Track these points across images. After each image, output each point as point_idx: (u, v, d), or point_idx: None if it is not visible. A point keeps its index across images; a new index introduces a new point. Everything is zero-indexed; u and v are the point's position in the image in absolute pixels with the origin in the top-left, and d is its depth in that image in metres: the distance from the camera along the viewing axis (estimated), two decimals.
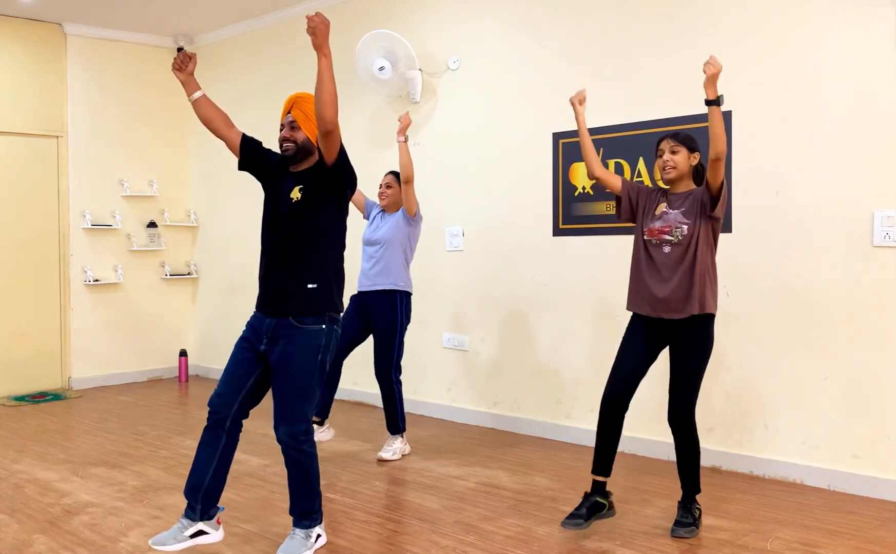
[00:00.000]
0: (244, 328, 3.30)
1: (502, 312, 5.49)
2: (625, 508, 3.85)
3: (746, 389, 4.41)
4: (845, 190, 4.06)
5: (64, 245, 7.19)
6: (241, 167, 3.45)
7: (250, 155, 3.41)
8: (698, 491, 3.58)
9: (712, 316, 3.50)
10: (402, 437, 4.80)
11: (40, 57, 7.02)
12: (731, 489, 4.14)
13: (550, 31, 5.21)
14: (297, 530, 3.27)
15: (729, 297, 4.40)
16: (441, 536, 3.52)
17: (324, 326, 3.20)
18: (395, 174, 4.82)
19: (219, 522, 3.28)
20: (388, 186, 4.82)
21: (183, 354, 7.74)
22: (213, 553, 3.35)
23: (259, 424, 5.69)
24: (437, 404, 5.90)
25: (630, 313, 3.65)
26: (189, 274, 7.90)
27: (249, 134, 3.50)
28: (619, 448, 4.86)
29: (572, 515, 3.50)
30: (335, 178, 3.24)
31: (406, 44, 5.68)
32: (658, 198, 3.58)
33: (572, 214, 5.10)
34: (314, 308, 3.19)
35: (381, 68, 5.73)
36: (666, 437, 4.69)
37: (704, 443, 4.53)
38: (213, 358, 7.81)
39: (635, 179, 4.79)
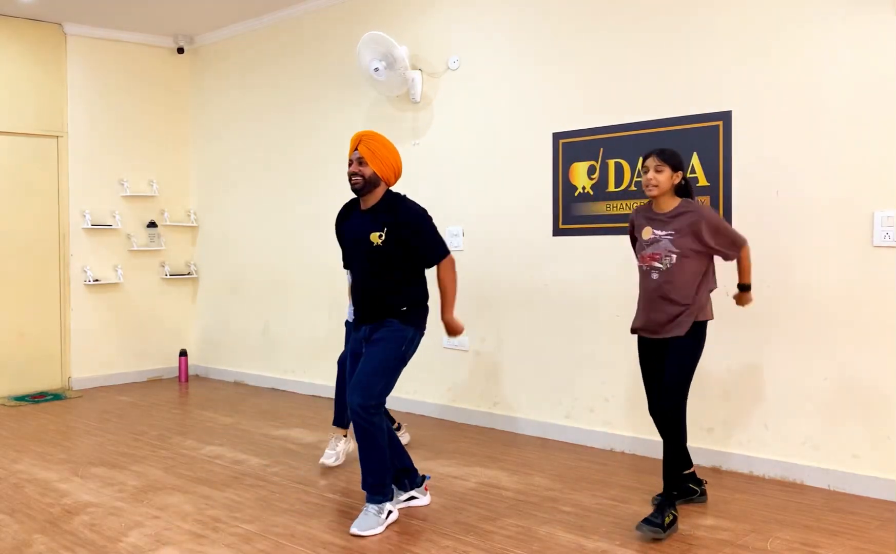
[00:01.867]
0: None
1: (502, 312, 5.49)
2: (625, 508, 3.85)
3: (746, 389, 4.41)
4: (845, 190, 4.06)
5: (64, 245, 7.19)
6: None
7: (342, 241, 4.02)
8: (672, 491, 3.56)
9: (706, 322, 3.64)
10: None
11: (40, 57, 7.02)
12: (731, 489, 4.14)
13: (550, 32, 5.21)
14: (370, 506, 3.57)
15: (729, 296, 4.40)
16: (441, 536, 3.52)
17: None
18: None
19: (426, 489, 3.92)
20: None
21: (183, 354, 7.74)
22: (212, 553, 3.35)
23: (259, 425, 5.70)
24: (437, 404, 5.90)
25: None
26: (189, 274, 7.90)
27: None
28: (620, 448, 4.91)
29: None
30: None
31: (395, 44, 5.66)
32: (642, 221, 3.72)
33: (572, 214, 5.10)
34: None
35: (376, 69, 5.75)
36: None
37: (704, 443, 4.54)
38: (213, 358, 7.81)
39: (635, 179, 4.80)
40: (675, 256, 3.55)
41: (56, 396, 6.84)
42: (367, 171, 3.65)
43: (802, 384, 4.22)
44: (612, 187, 4.89)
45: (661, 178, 3.57)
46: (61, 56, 7.11)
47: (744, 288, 3.78)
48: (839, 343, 4.10)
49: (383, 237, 3.64)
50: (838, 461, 4.11)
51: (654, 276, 3.61)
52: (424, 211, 3.76)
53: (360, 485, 4.25)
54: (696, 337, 3.60)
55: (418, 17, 5.97)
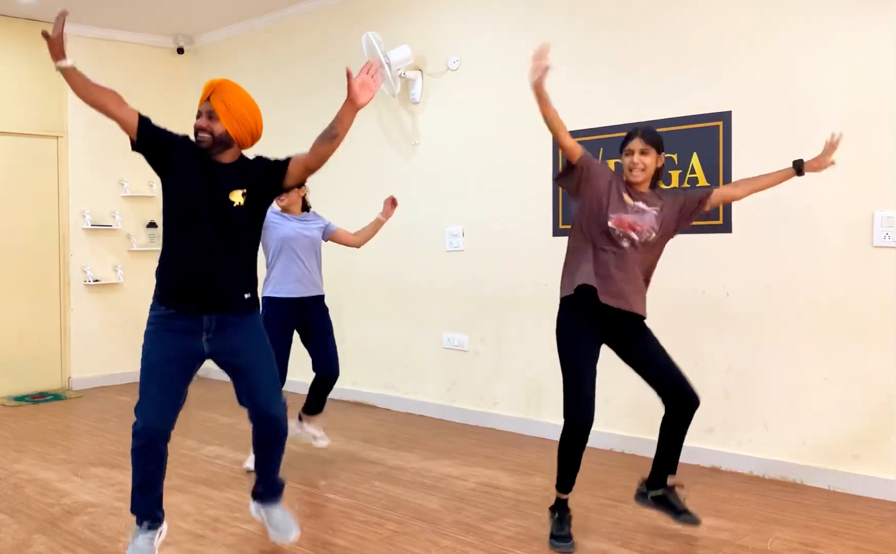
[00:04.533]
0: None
1: (502, 313, 5.49)
2: (625, 508, 3.86)
3: (746, 389, 4.41)
4: (845, 190, 4.06)
5: (64, 245, 7.19)
6: (137, 148, 3.28)
7: (150, 137, 3.26)
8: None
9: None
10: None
11: (40, 57, 6.95)
12: (731, 489, 4.14)
13: (550, 32, 5.21)
14: (278, 505, 3.40)
15: (728, 297, 4.41)
16: (441, 536, 3.52)
17: None
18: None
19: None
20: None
21: None
22: (212, 553, 3.35)
23: None
24: (437, 404, 5.89)
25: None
26: None
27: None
28: (620, 448, 4.90)
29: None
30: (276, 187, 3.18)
31: (381, 53, 5.63)
32: (618, 184, 3.38)
33: (572, 214, 5.08)
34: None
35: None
36: None
37: (704, 443, 4.54)
38: None
39: None
40: (654, 235, 3.35)
41: (56, 396, 6.84)
42: (219, 127, 3.04)
43: (802, 384, 4.22)
44: None
45: (648, 160, 3.32)
46: None
47: (797, 164, 3.49)
48: (839, 343, 4.10)
49: (246, 197, 3.06)
50: (838, 461, 4.11)
51: (625, 244, 3.32)
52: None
53: (361, 485, 4.25)
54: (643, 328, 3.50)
55: (418, 17, 5.97)
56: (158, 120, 3.26)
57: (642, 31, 4.78)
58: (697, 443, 4.46)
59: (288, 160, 3.11)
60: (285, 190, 3.26)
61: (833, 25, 4.10)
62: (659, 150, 3.37)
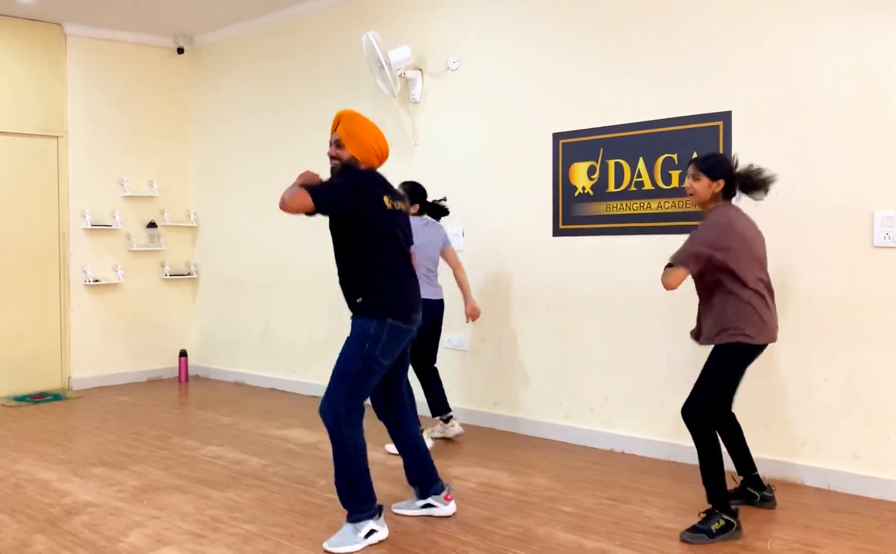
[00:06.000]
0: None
1: (502, 312, 5.49)
2: (625, 508, 3.85)
3: (747, 389, 4.40)
4: (845, 190, 4.06)
5: (64, 245, 7.19)
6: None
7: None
8: (713, 500, 3.46)
9: (736, 343, 3.48)
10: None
11: (40, 57, 7.02)
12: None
13: (551, 32, 5.21)
14: (346, 524, 3.42)
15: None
16: (441, 536, 3.52)
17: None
18: (407, 187, 4.80)
19: (448, 499, 3.73)
20: None
21: (183, 354, 7.74)
22: (212, 553, 3.35)
23: (258, 425, 5.70)
24: None
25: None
26: (189, 274, 7.90)
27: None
28: (620, 448, 4.90)
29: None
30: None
31: (381, 54, 5.64)
32: None
33: (572, 215, 5.10)
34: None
35: (371, 70, 5.80)
36: (666, 437, 4.70)
37: None
38: (213, 358, 7.81)
39: (635, 180, 4.79)
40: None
41: (56, 396, 6.84)
42: (345, 154, 3.42)
43: (802, 384, 4.22)
44: (612, 188, 4.89)
45: (698, 186, 3.53)
46: (61, 56, 7.10)
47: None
48: (839, 343, 4.10)
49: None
50: (838, 461, 4.11)
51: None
52: (356, 180, 3.40)
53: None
54: (722, 355, 3.51)
55: (418, 17, 5.97)
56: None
57: (642, 30, 4.78)
58: None
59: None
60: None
61: (833, 25, 4.10)
62: (714, 177, 3.51)
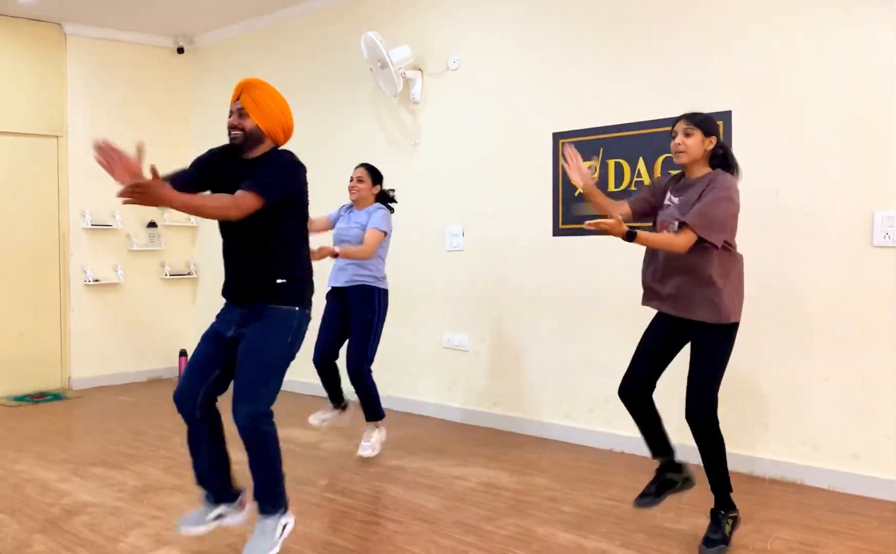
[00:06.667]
0: None
1: (502, 312, 5.49)
2: (625, 508, 3.85)
3: (746, 389, 4.41)
4: (845, 190, 4.06)
5: (64, 245, 7.19)
6: (199, 189, 3.25)
7: (204, 173, 3.26)
8: (721, 502, 3.35)
9: (735, 326, 3.31)
10: (380, 425, 4.78)
11: (40, 57, 7.02)
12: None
13: (550, 31, 5.21)
14: (266, 521, 3.17)
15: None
16: (441, 536, 3.52)
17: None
18: (367, 167, 4.72)
19: (242, 506, 3.38)
20: (360, 180, 4.67)
21: (183, 353, 7.73)
22: (212, 553, 3.35)
23: None
24: (438, 404, 5.89)
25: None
26: (189, 274, 7.90)
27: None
28: (620, 448, 4.90)
29: (641, 495, 3.48)
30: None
31: (384, 51, 5.64)
32: (669, 185, 3.41)
33: (572, 215, 5.10)
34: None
35: (371, 69, 5.80)
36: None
37: None
38: None
39: (635, 180, 4.79)
40: (677, 224, 3.21)
41: (56, 396, 6.84)
42: (249, 123, 3.11)
43: (802, 384, 4.22)
44: (612, 187, 4.89)
45: (690, 142, 3.25)
46: (61, 56, 7.10)
47: (629, 235, 3.14)
48: (839, 343, 4.10)
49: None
50: (838, 461, 4.12)
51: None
52: (290, 162, 3.14)
53: (361, 485, 4.25)
54: (724, 337, 3.29)
55: (418, 17, 5.97)
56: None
57: (642, 30, 4.78)
58: None
59: (246, 184, 3.04)
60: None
61: (833, 25, 4.10)
62: (707, 132, 3.27)
